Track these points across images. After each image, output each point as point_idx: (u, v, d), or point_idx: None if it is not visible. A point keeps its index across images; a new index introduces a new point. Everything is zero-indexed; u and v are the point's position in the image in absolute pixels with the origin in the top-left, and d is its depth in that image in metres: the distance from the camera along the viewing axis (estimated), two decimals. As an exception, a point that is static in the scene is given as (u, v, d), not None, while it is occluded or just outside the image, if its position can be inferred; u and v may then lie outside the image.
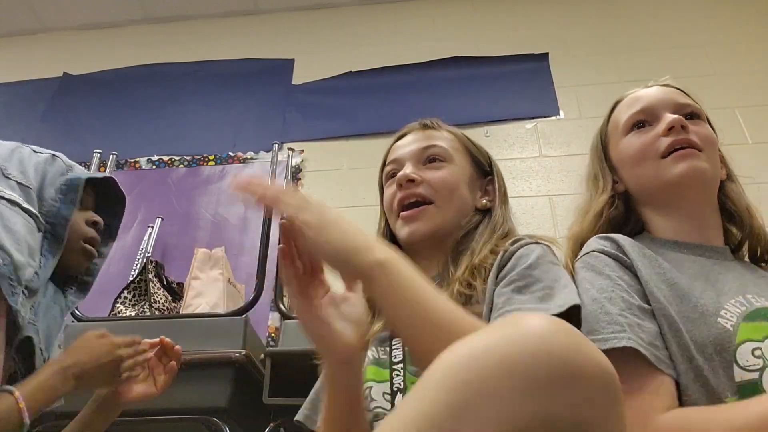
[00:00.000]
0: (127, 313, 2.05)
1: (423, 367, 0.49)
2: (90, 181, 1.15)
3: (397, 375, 0.85)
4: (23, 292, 0.97)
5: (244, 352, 1.69)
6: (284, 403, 1.65)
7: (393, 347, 0.88)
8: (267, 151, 2.79)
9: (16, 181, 1.03)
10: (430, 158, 1.00)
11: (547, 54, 2.99)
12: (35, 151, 1.10)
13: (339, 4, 3.37)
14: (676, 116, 0.94)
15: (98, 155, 2.66)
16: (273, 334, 2.31)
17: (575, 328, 0.49)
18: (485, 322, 0.77)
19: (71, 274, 1.18)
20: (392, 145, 1.06)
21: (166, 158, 2.93)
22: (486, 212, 1.00)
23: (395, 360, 0.86)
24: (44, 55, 3.42)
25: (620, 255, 0.87)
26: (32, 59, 3.39)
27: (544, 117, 2.81)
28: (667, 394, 0.73)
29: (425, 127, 1.05)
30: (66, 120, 3.13)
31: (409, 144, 1.03)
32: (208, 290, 2.16)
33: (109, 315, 2.05)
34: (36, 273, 1.00)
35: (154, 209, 2.70)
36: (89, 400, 1.14)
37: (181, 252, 2.52)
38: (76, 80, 3.29)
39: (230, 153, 2.89)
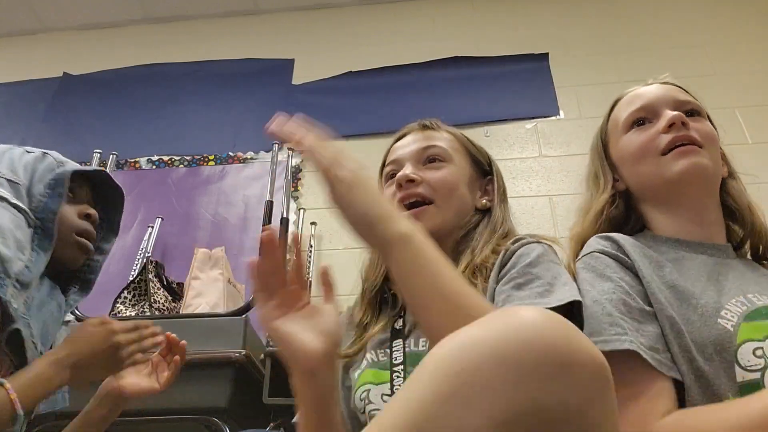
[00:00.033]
0: (127, 313, 2.05)
1: (434, 342, 0.49)
2: (82, 175, 1.14)
3: (398, 377, 0.84)
4: (14, 285, 0.96)
5: (244, 352, 1.69)
6: (284, 403, 1.65)
7: (393, 349, 0.88)
8: (267, 151, 2.79)
9: (5, 178, 1.03)
10: (429, 158, 1.00)
11: (547, 54, 2.99)
12: (27, 151, 1.11)
13: (339, 4, 3.37)
14: (676, 113, 0.93)
15: (98, 155, 2.66)
16: (273, 334, 2.31)
17: (568, 321, 0.49)
18: None
19: (71, 270, 1.17)
20: (392, 146, 1.06)
21: (166, 158, 2.93)
22: (486, 212, 1.00)
23: (396, 362, 0.86)
24: (44, 55, 3.42)
25: (621, 255, 0.87)
26: (32, 59, 3.39)
27: (544, 117, 2.81)
28: (666, 398, 0.73)
29: (425, 127, 1.05)
30: (66, 120, 3.13)
31: (408, 144, 1.03)
32: (208, 290, 2.16)
33: (109, 315, 2.05)
34: (27, 267, 0.99)
35: (154, 209, 2.70)
36: (91, 398, 1.13)
37: (181, 252, 2.52)
38: (76, 80, 3.28)
39: (230, 153, 2.89)
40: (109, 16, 3.45)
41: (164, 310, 2.12)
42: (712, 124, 0.99)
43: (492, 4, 3.25)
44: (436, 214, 0.95)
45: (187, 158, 2.91)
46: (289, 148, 2.54)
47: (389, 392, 0.84)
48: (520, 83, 2.93)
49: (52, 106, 3.18)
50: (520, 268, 0.81)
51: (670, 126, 0.92)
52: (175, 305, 2.17)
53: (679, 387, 0.75)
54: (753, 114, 2.63)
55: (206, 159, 2.89)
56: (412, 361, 0.85)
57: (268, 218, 2.39)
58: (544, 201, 2.56)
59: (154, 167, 2.91)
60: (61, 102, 3.20)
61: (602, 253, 0.88)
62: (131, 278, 2.22)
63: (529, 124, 2.81)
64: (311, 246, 2.50)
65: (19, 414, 0.88)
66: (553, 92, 2.87)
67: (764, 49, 2.87)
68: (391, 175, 1.02)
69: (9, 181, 1.03)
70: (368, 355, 0.91)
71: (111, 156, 2.72)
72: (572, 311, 0.76)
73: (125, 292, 2.12)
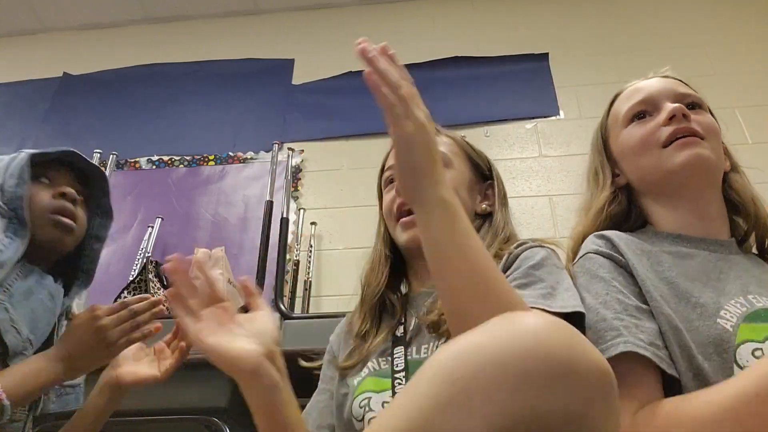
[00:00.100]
0: (127, 313, 2.05)
1: (450, 311, 0.49)
2: (59, 161, 1.15)
3: (399, 384, 0.84)
4: None
5: (244, 352, 1.69)
6: (284, 403, 1.65)
7: (394, 356, 0.88)
8: (267, 151, 2.79)
9: None
10: None
11: (547, 54, 2.98)
12: (13, 157, 1.13)
13: (339, 4, 3.37)
14: (677, 105, 0.92)
15: (98, 155, 2.66)
16: (273, 334, 2.31)
17: (573, 327, 0.49)
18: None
19: (70, 260, 1.17)
20: (390, 151, 1.06)
21: (166, 158, 2.92)
22: (486, 217, 1.00)
23: (397, 369, 0.86)
24: (44, 55, 3.42)
25: (614, 254, 0.86)
26: (32, 59, 3.39)
27: (544, 117, 2.81)
28: (654, 388, 0.73)
29: None
30: (66, 120, 3.13)
31: None
32: (208, 290, 2.16)
33: (109, 315, 2.05)
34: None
35: (154, 209, 2.70)
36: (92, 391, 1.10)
37: (181, 252, 2.51)
38: (76, 80, 3.28)
39: (230, 153, 2.89)
40: (109, 16, 3.44)
41: (164, 309, 2.12)
42: (713, 117, 0.98)
43: (492, 4, 3.25)
44: None
45: (187, 158, 2.91)
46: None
47: (390, 400, 0.83)
48: (520, 83, 2.93)
49: (52, 106, 3.18)
50: (524, 269, 0.81)
51: (671, 118, 0.92)
52: (175, 305, 2.17)
53: (677, 386, 0.74)
54: (753, 114, 2.63)
55: (206, 159, 2.89)
56: (413, 368, 0.85)
57: (268, 218, 2.39)
58: (544, 201, 2.56)
59: (154, 167, 2.91)
60: (61, 102, 3.20)
61: (596, 254, 0.88)
62: (131, 278, 2.22)
63: (529, 124, 2.81)
64: (311, 246, 2.50)
65: (5, 405, 0.88)
66: (553, 92, 2.87)
67: (764, 49, 2.87)
68: (391, 180, 1.02)
69: None
70: (369, 363, 0.90)
71: (111, 156, 2.72)
72: (576, 318, 0.76)
73: (125, 292, 2.12)
